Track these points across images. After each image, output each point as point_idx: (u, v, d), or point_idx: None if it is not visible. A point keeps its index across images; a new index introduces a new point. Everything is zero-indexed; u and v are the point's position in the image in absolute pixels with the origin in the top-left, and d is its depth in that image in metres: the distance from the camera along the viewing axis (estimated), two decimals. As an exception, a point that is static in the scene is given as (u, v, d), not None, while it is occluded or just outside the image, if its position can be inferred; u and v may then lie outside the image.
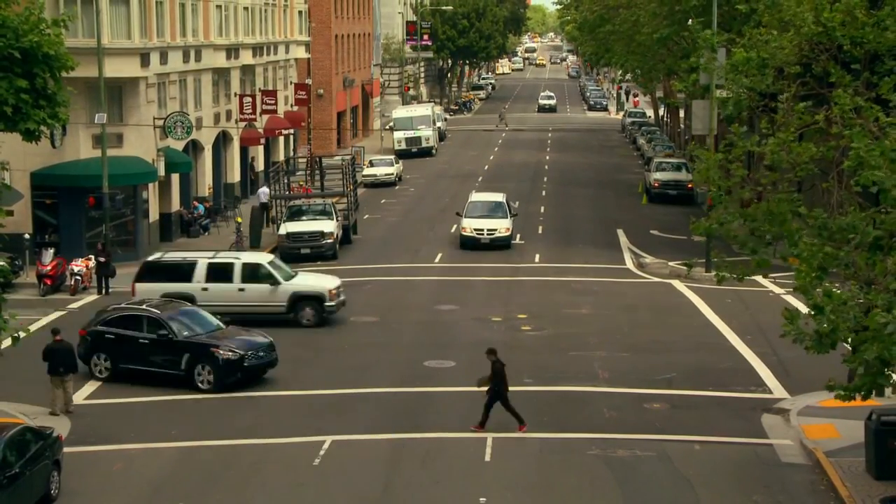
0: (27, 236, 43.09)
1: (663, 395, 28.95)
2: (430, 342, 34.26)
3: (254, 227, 50.11)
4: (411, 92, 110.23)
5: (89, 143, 44.88)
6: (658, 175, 64.08)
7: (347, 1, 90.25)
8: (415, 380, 30.32)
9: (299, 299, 35.83)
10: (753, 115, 32.32)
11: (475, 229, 49.19)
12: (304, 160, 60.22)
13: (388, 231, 55.03)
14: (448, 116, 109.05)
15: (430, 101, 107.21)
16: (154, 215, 48.79)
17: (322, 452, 24.79)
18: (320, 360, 32.69)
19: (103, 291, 40.56)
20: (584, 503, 22.24)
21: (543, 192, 66.83)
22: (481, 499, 22.33)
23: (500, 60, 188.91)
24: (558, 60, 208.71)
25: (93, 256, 41.38)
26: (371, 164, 71.86)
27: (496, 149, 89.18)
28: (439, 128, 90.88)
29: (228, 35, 58.86)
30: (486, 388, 26.03)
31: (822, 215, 22.25)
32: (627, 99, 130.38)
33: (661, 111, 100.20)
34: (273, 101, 62.62)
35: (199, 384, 29.40)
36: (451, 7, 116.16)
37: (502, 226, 49.39)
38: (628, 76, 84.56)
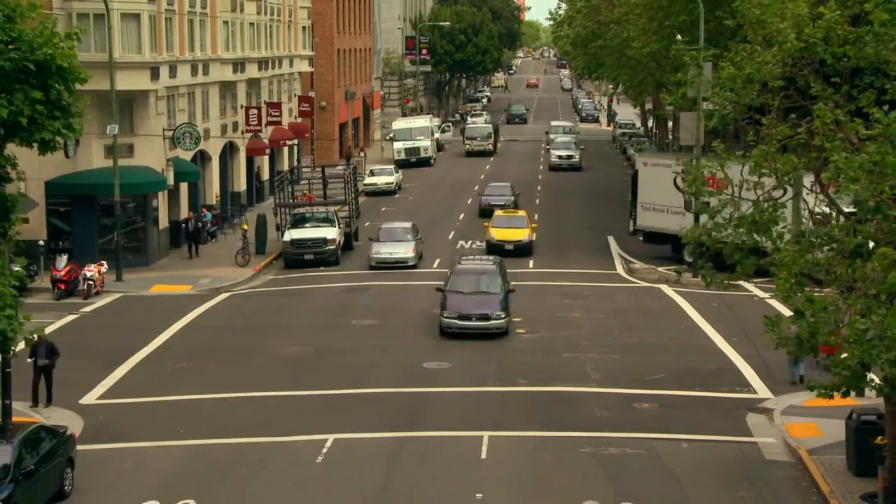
0: (42, 243, 43.77)
1: (652, 395, 29.49)
2: (429, 344, 34.73)
3: (259, 234, 51.02)
4: (410, 104, 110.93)
5: (101, 153, 45.60)
6: None
7: (349, 17, 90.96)
8: (414, 380, 30.82)
9: None
10: (739, 127, 32.83)
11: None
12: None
13: (389, 237, 55.60)
14: (446, 127, 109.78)
15: (428, 113, 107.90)
16: (164, 223, 49.59)
17: (325, 450, 25.30)
18: (323, 361, 33.21)
19: (41, 403, 28.90)
20: (577, 499, 22.66)
21: (537, 201, 67.22)
22: (478, 495, 22.83)
23: (496, 74, 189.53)
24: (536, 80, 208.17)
25: (33, 359, 28.83)
26: (372, 174, 72.77)
27: (492, 159, 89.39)
28: (437, 139, 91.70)
29: (235, 49, 59.63)
30: None
31: (799, 224, 22.92)
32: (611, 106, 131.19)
33: (651, 122, 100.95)
34: (278, 113, 63.26)
35: None
36: (448, 23, 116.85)
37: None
38: (619, 88, 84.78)
